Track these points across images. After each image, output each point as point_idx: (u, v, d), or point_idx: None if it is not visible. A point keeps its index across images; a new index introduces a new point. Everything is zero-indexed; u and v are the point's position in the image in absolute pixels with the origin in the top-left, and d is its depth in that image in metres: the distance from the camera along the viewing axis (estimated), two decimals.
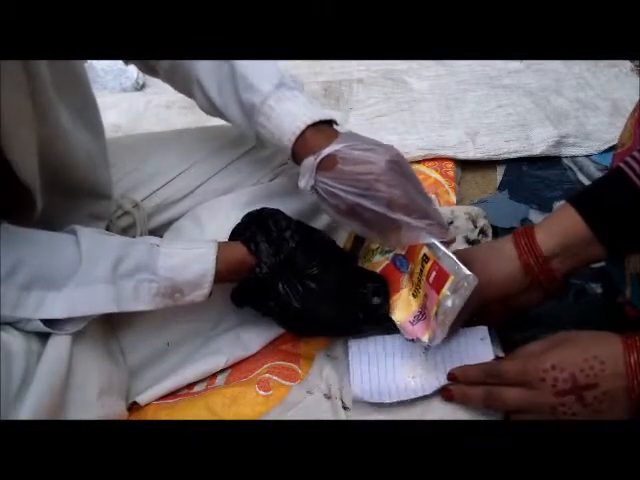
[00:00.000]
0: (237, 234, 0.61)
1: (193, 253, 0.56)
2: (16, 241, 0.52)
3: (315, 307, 0.59)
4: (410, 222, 0.56)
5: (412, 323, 0.59)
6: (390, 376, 0.59)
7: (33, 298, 0.51)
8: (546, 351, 0.51)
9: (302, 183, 0.58)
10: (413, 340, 0.59)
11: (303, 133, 0.58)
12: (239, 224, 0.62)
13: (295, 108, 0.59)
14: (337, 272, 0.60)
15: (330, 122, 0.61)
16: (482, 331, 0.60)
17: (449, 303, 0.54)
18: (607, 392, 0.48)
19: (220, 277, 0.57)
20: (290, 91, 0.61)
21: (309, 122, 0.58)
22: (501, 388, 0.53)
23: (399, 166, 0.57)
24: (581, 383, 0.48)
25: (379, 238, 0.60)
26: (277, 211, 0.62)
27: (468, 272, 0.54)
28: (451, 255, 0.56)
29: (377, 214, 0.56)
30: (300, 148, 0.59)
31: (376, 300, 0.60)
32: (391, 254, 0.64)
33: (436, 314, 0.56)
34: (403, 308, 0.60)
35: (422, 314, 0.59)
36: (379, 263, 0.65)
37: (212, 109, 0.66)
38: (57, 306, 0.52)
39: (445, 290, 0.55)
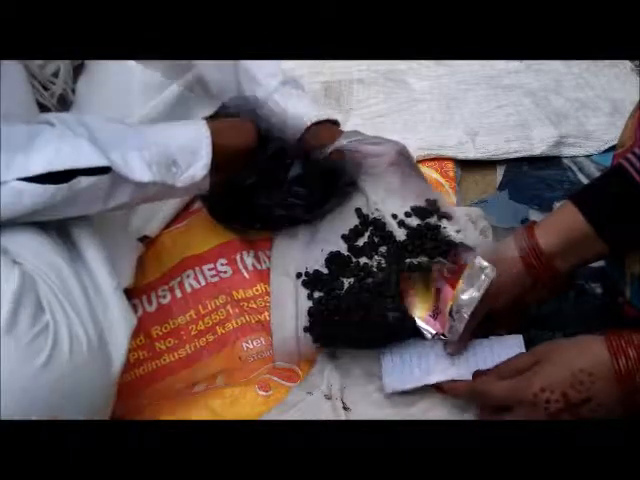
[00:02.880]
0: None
1: (180, 122, 0.53)
2: None
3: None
4: None
5: (433, 317, 0.58)
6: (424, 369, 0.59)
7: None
8: (530, 369, 0.50)
9: None
10: (434, 336, 0.58)
11: (307, 130, 0.59)
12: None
13: (301, 105, 0.60)
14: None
15: (334, 122, 0.61)
16: (516, 339, 0.58)
17: (466, 295, 0.54)
18: (601, 404, 0.47)
19: (218, 148, 0.51)
20: (295, 89, 0.61)
21: (315, 120, 0.59)
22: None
23: (407, 158, 0.57)
24: (574, 400, 0.47)
25: None
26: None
27: (486, 263, 0.54)
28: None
29: None
30: (304, 145, 0.60)
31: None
32: None
33: (452, 308, 0.55)
34: (422, 304, 0.59)
35: (437, 309, 0.58)
36: None
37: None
38: (33, 162, 0.44)
39: (461, 282, 0.54)
